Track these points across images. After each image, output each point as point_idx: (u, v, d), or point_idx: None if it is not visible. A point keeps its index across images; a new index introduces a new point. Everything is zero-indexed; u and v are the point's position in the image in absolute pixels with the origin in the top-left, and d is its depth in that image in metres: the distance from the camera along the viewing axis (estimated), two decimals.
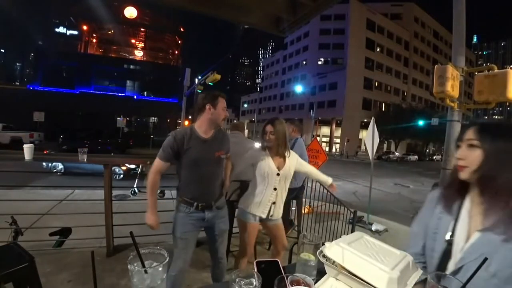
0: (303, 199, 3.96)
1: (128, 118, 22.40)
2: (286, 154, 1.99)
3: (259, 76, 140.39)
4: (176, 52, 30.00)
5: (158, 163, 1.68)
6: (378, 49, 43.13)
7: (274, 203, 1.99)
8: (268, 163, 1.95)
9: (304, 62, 47.68)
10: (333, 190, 2.30)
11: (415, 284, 0.83)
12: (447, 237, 0.88)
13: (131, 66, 26.70)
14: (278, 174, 1.95)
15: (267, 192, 1.96)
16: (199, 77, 17.15)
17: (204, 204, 1.74)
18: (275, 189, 1.97)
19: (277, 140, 1.93)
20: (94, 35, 27.43)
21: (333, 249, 0.91)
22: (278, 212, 2.05)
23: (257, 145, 2.53)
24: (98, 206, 2.78)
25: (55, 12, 25.21)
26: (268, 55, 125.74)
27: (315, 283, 0.85)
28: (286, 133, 1.98)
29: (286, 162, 2.00)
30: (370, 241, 1.00)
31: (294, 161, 2.07)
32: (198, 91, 17.17)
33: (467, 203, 0.88)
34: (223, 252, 1.95)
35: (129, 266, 0.66)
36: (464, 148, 0.85)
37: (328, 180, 2.21)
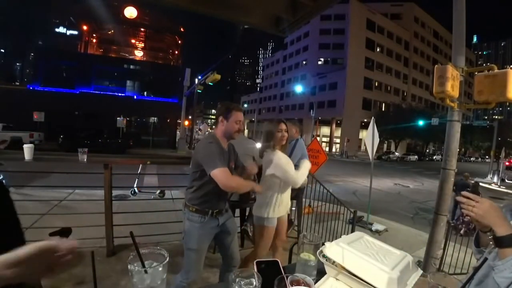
0: (303, 199, 3.96)
1: (128, 118, 22.36)
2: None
3: (259, 76, 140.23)
4: (176, 52, 29.98)
5: (224, 170, 1.57)
6: (378, 49, 43.10)
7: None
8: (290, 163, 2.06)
9: (304, 62, 47.65)
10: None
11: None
12: None
13: (131, 66, 26.68)
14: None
15: (289, 190, 2.12)
16: (199, 77, 17.14)
17: (217, 211, 1.76)
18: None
19: (287, 139, 2.07)
20: (94, 35, 27.42)
21: (333, 249, 0.91)
22: (287, 207, 2.19)
23: (258, 145, 2.52)
24: (98, 206, 2.78)
25: (55, 12, 25.20)
26: (268, 55, 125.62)
27: (315, 283, 0.85)
28: None
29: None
30: (370, 241, 1.00)
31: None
32: (198, 91, 17.15)
33: None
34: (237, 258, 1.92)
35: (129, 266, 0.67)
36: None
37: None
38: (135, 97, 24.33)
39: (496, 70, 2.32)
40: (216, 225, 1.76)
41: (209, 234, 1.76)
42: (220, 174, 1.54)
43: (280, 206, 2.06)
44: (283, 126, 2.05)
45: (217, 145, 1.70)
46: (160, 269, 0.68)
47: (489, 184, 15.91)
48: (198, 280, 1.79)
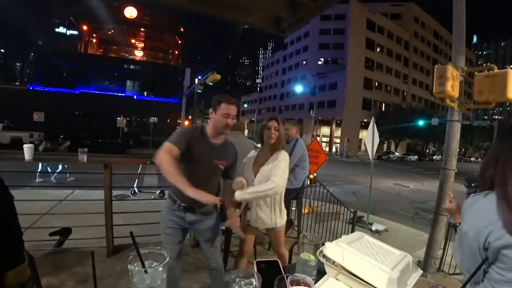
0: (303, 199, 3.96)
1: (128, 118, 22.38)
2: (274, 154, 1.92)
3: (259, 76, 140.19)
4: (176, 52, 30.01)
5: (167, 145, 1.50)
6: (378, 49, 43.10)
7: (248, 209, 1.96)
8: (250, 169, 1.97)
9: (304, 62, 47.66)
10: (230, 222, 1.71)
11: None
12: None
13: (131, 66, 26.74)
14: (253, 180, 1.91)
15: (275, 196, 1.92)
16: (199, 77, 17.14)
17: (186, 206, 1.65)
18: None
19: (280, 138, 1.91)
20: (94, 35, 27.48)
21: (333, 249, 0.91)
22: (257, 221, 1.93)
23: (259, 145, 2.50)
24: (98, 206, 2.78)
25: (55, 12, 25.26)
26: (268, 55, 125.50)
27: (315, 283, 0.85)
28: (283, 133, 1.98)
29: (264, 165, 1.90)
30: (370, 241, 1.00)
31: (282, 163, 1.88)
32: (198, 91, 17.17)
33: None
34: (215, 259, 1.83)
35: (129, 266, 0.66)
36: None
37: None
38: (135, 97, 24.39)
39: (496, 70, 2.32)
40: (183, 218, 1.68)
41: (176, 222, 1.68)
42: (162, 147, 1.48)
43: (262, 209, 1.92)
44: (273, 124, 1.91)
45: (194, 131, 1.64)
46: (160, 269, 0.68)
47: None
48: (174, 267, 1.67)
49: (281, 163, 1.86)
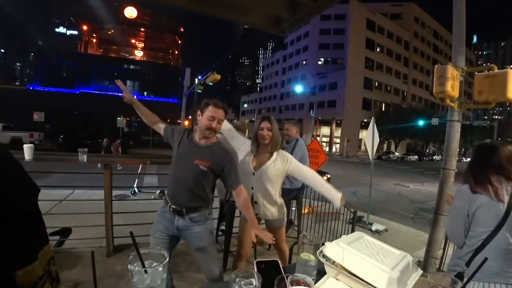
0: (303, 199, 3.96)
1: (128, 118, 22.40)
2: (274, 153, 1.93)
3: (259, 76, 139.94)
4: (176, 52, 30.05)
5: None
6: (378, 49, 43.11)
7: (256, 202, 1.94)
8: (248, 162, 1.94)
9: (304, 62, 47.65)
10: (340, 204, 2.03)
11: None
12: None
13: (131, 66, 26.78)
14: (253, 174, 1.91)
15: (271, 192, 1.95)
16: (199, 77, 17.12)
17: (175, 208, 1.63)
18: (252, 188, 1.93)
19: (274, 138, 1.89)
20: (94, 35, 27.51)
21: (333, 249, 0.91)
22: (266, 213, 1.97)
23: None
24: (98, 206, 2.78)
25: (55, 12, 25.28)
26: (268, 55, 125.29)
27: (315, 283, 0.85)
28: (278, 131, 1.96)
29: (268, 162, 1.91)
30: (370, 241, 1.00)
31: (284, 165, 1.94)
32: (198, 91, 17.15)
33: None
34: (209, 273, 1.71)
35: (129, 266, 0.66)
36: None
37: (333, 194, 2.01)
38: (135, 97, 24.38)
39: (496, 70, 2.31)
40: (172, 222, 1.64)
41: (165, 226, 1.66)
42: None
43: (260, 205, 1.95)
44: (266, 124, 1.88)
45: (185, 132, 1.73)
46: (160, 269, 0.68)
47: None
48: None
49: (296, 164, 2.02)
